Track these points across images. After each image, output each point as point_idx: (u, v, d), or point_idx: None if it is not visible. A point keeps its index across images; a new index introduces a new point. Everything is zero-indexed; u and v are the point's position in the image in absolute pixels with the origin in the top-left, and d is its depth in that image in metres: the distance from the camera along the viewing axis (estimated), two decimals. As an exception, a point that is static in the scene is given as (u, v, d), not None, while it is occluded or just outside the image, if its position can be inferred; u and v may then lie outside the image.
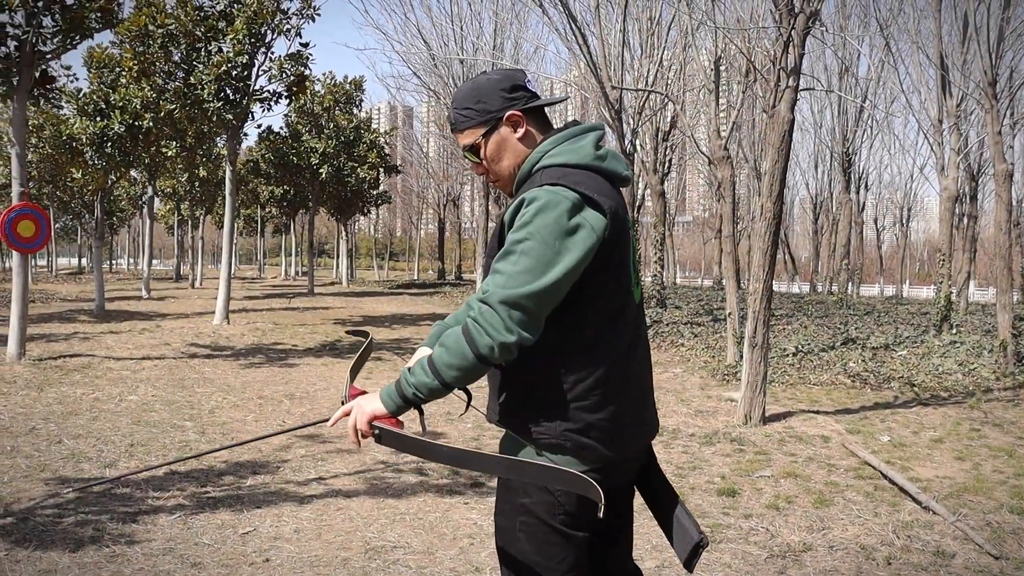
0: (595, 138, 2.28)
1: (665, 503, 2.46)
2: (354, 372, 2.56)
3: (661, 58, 15.59)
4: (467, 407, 2.50)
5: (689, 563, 2.34)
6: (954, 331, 16.71)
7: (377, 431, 2.18)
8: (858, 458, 7.13)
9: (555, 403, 2.17)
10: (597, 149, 2.25)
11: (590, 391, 2.16)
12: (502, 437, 2.33)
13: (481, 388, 2.34)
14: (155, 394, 9.66)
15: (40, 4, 11.17)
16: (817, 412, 9.07)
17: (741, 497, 5.99)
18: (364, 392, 2.33)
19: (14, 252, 11.89)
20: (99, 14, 11.72)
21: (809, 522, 5.42)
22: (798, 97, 8.33)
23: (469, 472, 6.49)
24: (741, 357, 10.60)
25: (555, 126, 2.36)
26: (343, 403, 2.36)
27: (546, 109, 2.39)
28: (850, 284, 30.58)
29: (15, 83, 11.27)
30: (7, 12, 11.01)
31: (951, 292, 18.21)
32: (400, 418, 2.23)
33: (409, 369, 2.17)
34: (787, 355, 13.08)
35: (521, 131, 2.31)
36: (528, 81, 2.34)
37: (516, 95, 2.30)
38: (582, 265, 2.08)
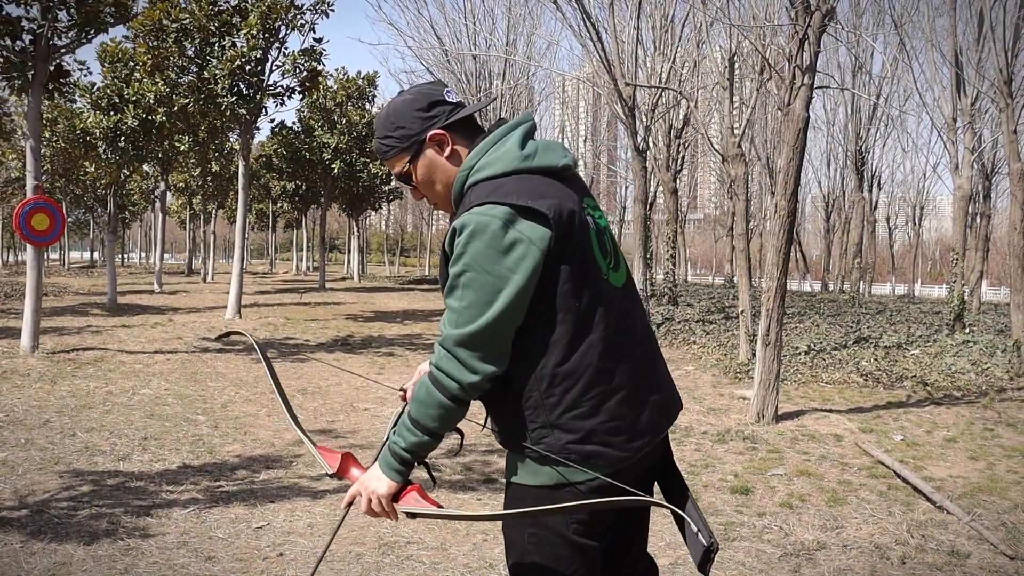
0: (520, 137, 2.18)
1: (678, 502, 2.38)
2: (287, 404, 2.57)
3: (675, 55, 15.56)
4: (461, 445, 2.49)
5: (703, 567, 2.30)
6: (967, 330, 16.64)
7: (408, 513, 2.18)
8: (871, 457, 7.11)
9: (548, 418, 2.10)
10: (523, 148, 2.15)
11: (581, 398, 2.09)
12: (507, 455, 2.26)
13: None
14: (168, 388, 9.69)
15: (55, -2, 11.22)
16: (830, 411, 9.05)
17: (754, 495, 5.98)
18: (334, 453, 2.36)
19: (28, 245, 11.93)
20: (114, 8, 11.74)
21: (823, 521, 5.41)
22: (813, 95, 8.30)
23: (482, 468, 6.50)
24: (754, 355, 10.58)
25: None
26: (330, 476, 2.38)
27: (486, 112, 2.28)
28: (862, 283, 30.45)
29: (30, 77, 11.31)
30: (23, 6, 11.05)
31: (964, 291, 18.13)
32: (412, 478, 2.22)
33: (395, 431, 2.17)
34: (799, 353, 13.04)
35: (448, 150, 2.21)
36: (449, 92, 2.24)
37: (434, 112, 2.20)
38: (531, 283, 2.01)
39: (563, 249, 2.05)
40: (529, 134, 2.21)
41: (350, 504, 2.28)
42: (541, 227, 2.01)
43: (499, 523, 4.72)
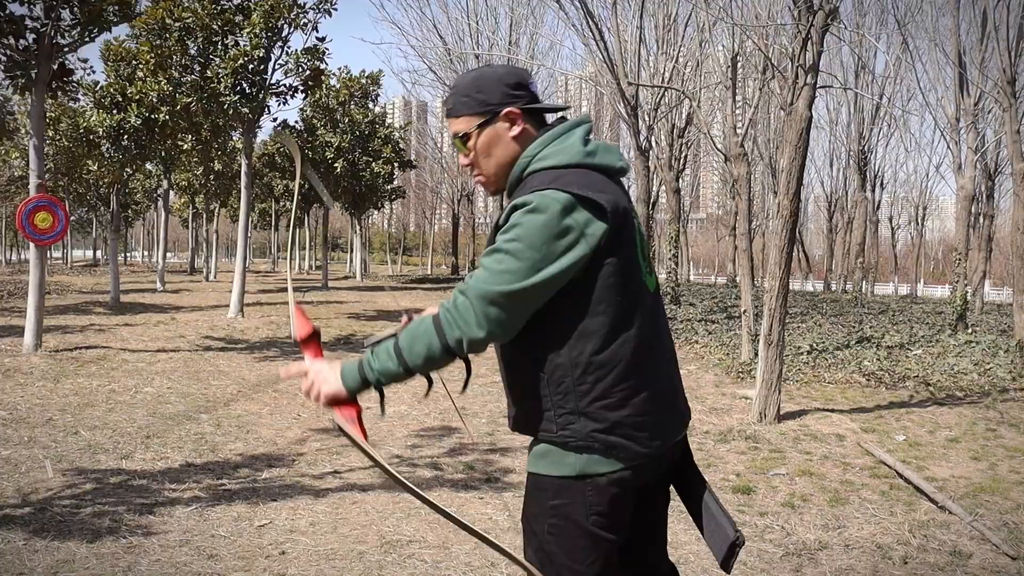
0: (583, 133, 2.23)
1: (699, 498, 2.42)
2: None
3: (678, 55, 15.57)
4: (428, 390, 2.43)
5: (726, 563, 2.30)
6: (969, 331, 16.64)
7: (336, 426, 2.18)
8: (873, 457, 7.11)
9: (578, 405, 2.13)
10: (586, 145, 2.20)
11: (611, 388, 2.12)
12: (531, 442, 2.27)
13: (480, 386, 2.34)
14: (170, 386, 9.70)
15: (59, -3, 11.23)
16: (832, 411, 9.04)
17: (756, 495, 5.99)
18: (308, 324, 2.33)
19: (31, 244, 11.95)
20: (117, 7, 11.75)
21: (824, 520, 5.41)
22: (816, 95, 8.30)
23: (485, 468, 6.51)
24: (756, 355, 10.58)
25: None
26: (295, 342, 2.35)
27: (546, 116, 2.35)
28: (864, 283, 30.45)
29: (34, 76, 11.32)
30: (26, 5, 11.07)
31: (967, 292, 18.13)
32: (360, 399, 2.22)
33: (373, 351, 2.15)
34: (801, 353, 13.04)
35: (517, 129, 2.25)
36: (532, 83, 2.30)
37: (519, 92, 2.26)
38: (568, 274, 2.05)
39: (615, 244, 2.10)
40: (589, 132, 2.26)
41: (291, 376, 2.29)
42: (597, 220, 2.06)
43: (504, 516, 4.72)
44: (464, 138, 2.28)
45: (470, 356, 2.19)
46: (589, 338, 2.11)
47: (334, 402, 2.18)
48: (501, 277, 2.03)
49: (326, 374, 2.19)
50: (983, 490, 6.18)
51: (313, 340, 2.34)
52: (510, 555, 2.20)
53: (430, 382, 2.36)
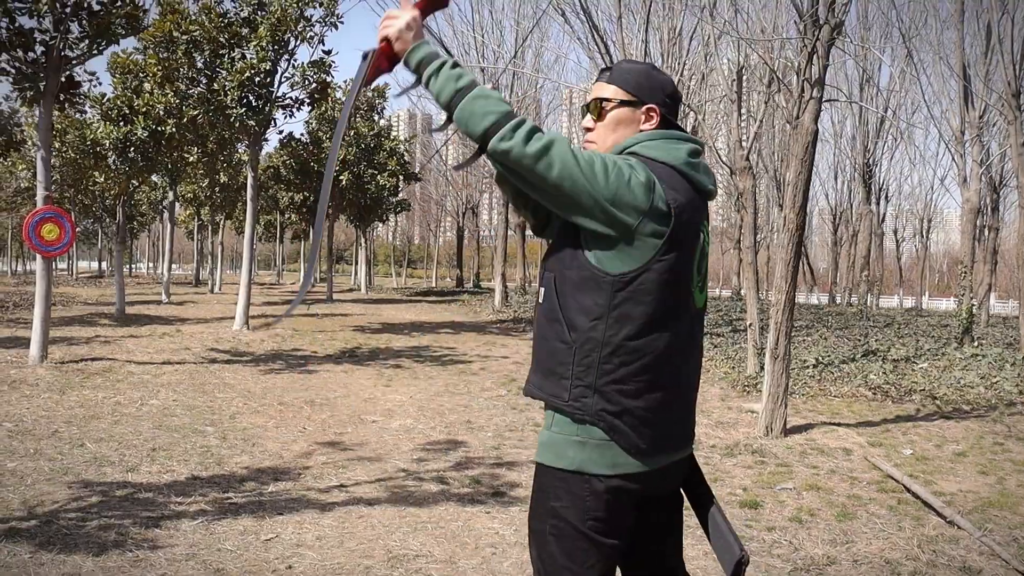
0: (692, 149, 2.33)
1: (704, 507, 2.46)
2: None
3: (683, 68, 15.57)
4: (446, 125, 2.39)
5: None
6: (975, 344, 16.59)
7: (366, 53, 2.26)
8: (881, 471, 7.09)
9: (596, 381, 2.19)
10: (690, 157, 2.30)
11: (632, 376, 2.17)
12: (541, 433, 2.33)
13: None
14: (176, 399, 9.70)
15: (68, 10, 11.28)
16: (838, 424, 9.02)
17: (763, 509, 5.97)
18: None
19: (38, 255, 11.97)
20: (125, 20, 11.81)
21: (832, 535, 5.39)
22: (822, 108, 8.30)
23: (491, 482, 6.49)
24: (762, 368, 10.56)
25: None
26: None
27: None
28: (869, 295, 30.39)
29: (42, 88, 11.36)
30: (36, 18, 11.12)
31: (973, 304, 18.08)
32: (390, 73, 2.34)
33: (452, 64, 2.20)
34: (807, 367, 13.01)
35: (647, 125, 2.37)
36: (681, 107, 2.49)
37: (668, 98, 2.40)
38: (601, 215, 2.12)
39: (676, 243, 2.18)
40: (698, 154, 2.36)
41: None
42: (654, 208, 2.14)
43: (511, 531, 4.71)
44: (602, 103, 2.40)
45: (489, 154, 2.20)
46: (628, 322, 2.17)
47: (390, 43, 2.25)
48: (576, 157, 2.10)
49: (414, 30, 2.24)
50: (992, 505, 6.16)
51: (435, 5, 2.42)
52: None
53: (447, 123, 2.35)
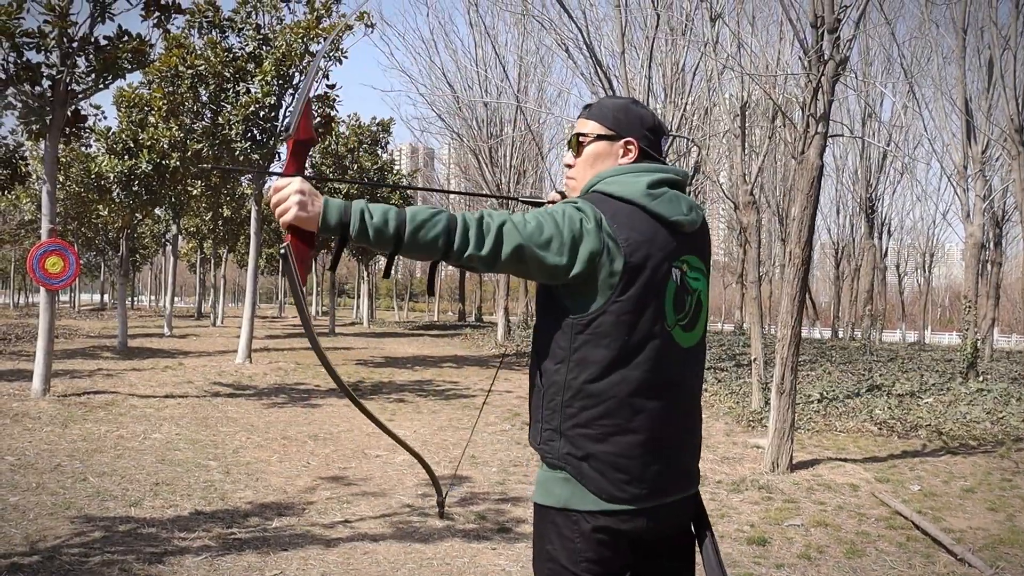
0: (652, 180, 2.28)
1: (706, 552, 2.44)
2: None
3: (685, 104, 15.65)
4: (388, 270, 2.37)
5: None
6: (980, 378, 16.52)
7: (283, 250, 2.10)
8: (888, 507, 7.03)
9: (561, 425, 2.21)
10: (650, 188, 2.26)
11: (595, 420, 2.18)
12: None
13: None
14: (179, 433, 9.65)
15: (75, 45, 11.36)
16: (845, 460, 8.96)
17: (772, 546, 5.91)
18: (311, 141, 2.35)
19: (42, 288, 11.97)
20: (131, 55, 11.88)
21: (842, 572, 5.34)
22: (827, 144, 8.32)
23: (496, 517, 6.44)
24: (767, 403, 10.51)
25: None
26: (291, 141, 2.30)
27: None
28: (873, 330, 30.33)
29: (48, 121, 11.42)
30: (43, 52, 11.19)
31: (977, 339, 18.03)
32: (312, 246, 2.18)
33: (367, 204, 2.06)
34: (812, 401, 12.95)
35: (625, 159, 2.37)
36: (664, 139, 2.46)
37: (648, 133, 2.39)
38: (560, 257, 2.11)
39: (632, 283, 2.16)
40: (668, 183, 2.32)
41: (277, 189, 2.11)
42: (607, 246, 2.14)
43: (517, 568, 4.67)
44: (580, 138, 2.41)
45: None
46: (587, 366, 2.18)
47: (296, 227, 2.08)
48: (532, 228, 2.10)
49: (304, 194, 2.05)
50: (1002, 542, 6.10)
51: (304, 150, 2.32)
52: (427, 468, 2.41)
53: (390, 264, 2.31)
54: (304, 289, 2.18)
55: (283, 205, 2.05)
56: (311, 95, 2.33)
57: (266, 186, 19.57)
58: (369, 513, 6.47)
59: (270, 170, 17.88)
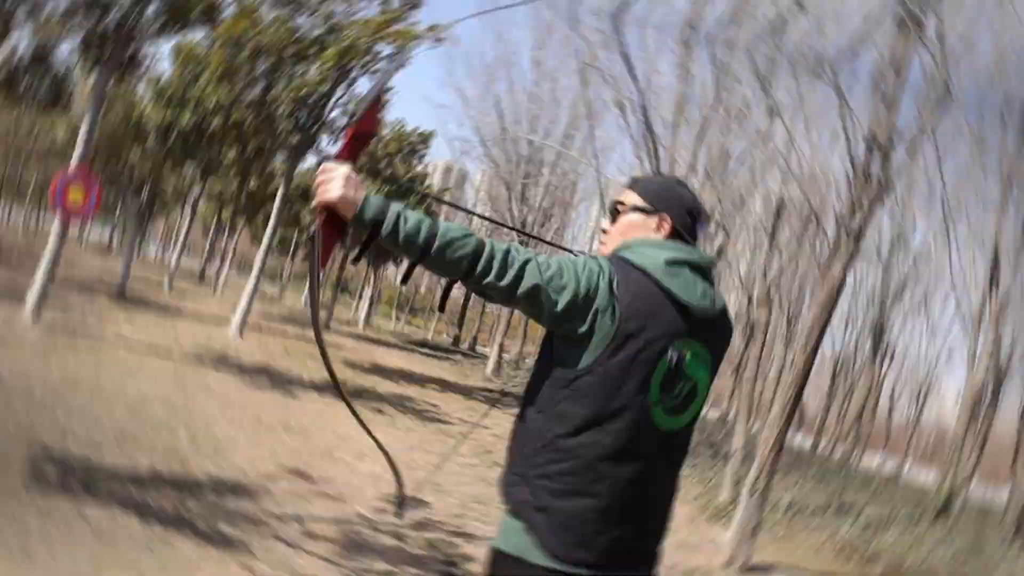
0: (674, 257, 2.31)
1: None
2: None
3: (723, 187, 15.72)
4: (408, 276, 2.55)
5: None
6: (950, 521, 16.40)
7: (312, 230, 2.20)
8: (833, 632, 6.97)
9: (528, 472, 2.24)
10: (669, 266, 2.27)
11: (560, 475, 2.20)
12: None
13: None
14: (156, 391, 9.60)
15: (150, -10, 11.48)
16: (801, 571, 8.89)
17: (710, 643, 5.86)
18: (371, 135, 2.47)
19: (57, 214, 12.00)
20: (202, 10, 11.98)
21: None
22: (854, 261, 8.34)
23: (447, 549, 6.41)
24: (735, 498, 10.45)
25: None
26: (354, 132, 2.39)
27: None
28: (856, 451, 30.18)
29: (105, 58, 11.49)
30: (118, -11, 11.30)
31: (955, 483, 17.93)
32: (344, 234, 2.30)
33: (408, 212, 2.16)
34: (780, 508, 12.86)
35: (657, 234, 2.40)
36: (702, 224, 2.48)
37: (686, 212, 2.43)
38: (575, 299, 2.17)
39: (622, 348, 2.19)
40: (691, 265, 2.35)
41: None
42: (608, 307, 2.19)
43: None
44: (617, 205, 2.49)
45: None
46: (564, 421, 2.21)
47: (332, 212, 2.20)
48: (552, 271, 2.18)
49: (350, 181, 2.19)
50: None
51: (363, 142, 2.42)
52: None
53: (410, 271, 2.41)
54: (322, 275, 2.27)
55: (327, 185, 2.18)
56: (384, 91, 2.43)
57: (305, 167, 19.67)
58: (323, 515, 6.43)
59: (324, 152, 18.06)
